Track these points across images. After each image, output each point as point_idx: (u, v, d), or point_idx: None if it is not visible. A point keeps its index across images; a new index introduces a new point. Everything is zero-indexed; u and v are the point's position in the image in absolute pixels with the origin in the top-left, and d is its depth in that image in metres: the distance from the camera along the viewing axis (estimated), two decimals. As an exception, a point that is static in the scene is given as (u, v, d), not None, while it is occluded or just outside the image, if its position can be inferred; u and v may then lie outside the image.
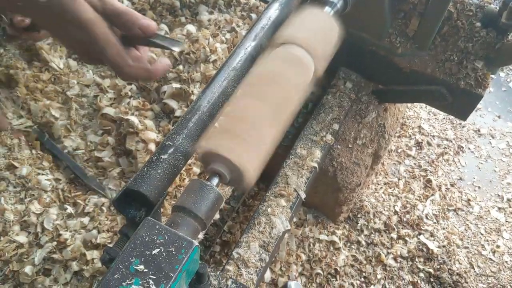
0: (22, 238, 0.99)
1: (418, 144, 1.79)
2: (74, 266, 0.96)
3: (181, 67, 1.14)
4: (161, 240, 0.66)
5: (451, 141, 1.80)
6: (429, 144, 1.79)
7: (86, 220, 1.02)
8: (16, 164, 1.08)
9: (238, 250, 1.03)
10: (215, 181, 0.76)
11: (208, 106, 0.86)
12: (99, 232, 1.00)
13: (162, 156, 0.80)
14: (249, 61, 0.94)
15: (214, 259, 1.31)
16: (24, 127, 1.13)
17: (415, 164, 1.72)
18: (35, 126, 1.14)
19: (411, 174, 1.69)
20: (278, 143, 1.39)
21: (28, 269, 0.96)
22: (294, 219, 1.49)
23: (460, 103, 1.24)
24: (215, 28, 1.23)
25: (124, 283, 0.62)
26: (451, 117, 1.86)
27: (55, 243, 0.99)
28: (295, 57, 0.88)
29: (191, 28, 1.20)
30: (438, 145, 1.79)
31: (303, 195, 1.15)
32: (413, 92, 1.28)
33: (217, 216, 1.05)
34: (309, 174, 1.16)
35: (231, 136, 0.77)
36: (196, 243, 0.66)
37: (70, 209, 1.03)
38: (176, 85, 1.11)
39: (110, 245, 0.81)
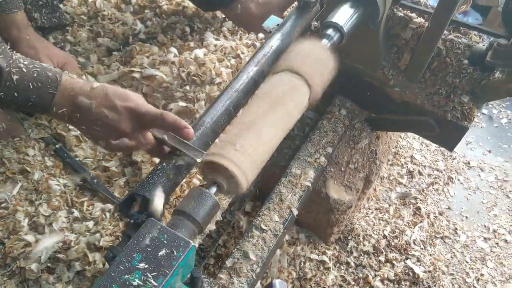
0: (31, 238, 1.06)
1: (410, 173, 1.86)
2: (77, 266, 1.03)
3: (187, 87, 1.23)
4: (161, 239, 0.73)
5: (442, 172, 1.88)
6: (420, 173, 1.86)
7: (90, 224, 1.09)
8: (28, 169, 1.15)
9: (231, 260, 1.10)
10: (213, 190, 0.84)
11: (211, 123, 0.95)
12: (102, 236, 1.06)
13: (168, 165, 0.87)
14: (251, 84, 1.03)
15: (207, 271, 1.37)
16: (39, 137, 1.22)
17: (406, 191, 1.80)
18: (49, 136, 1.22)
19: (401, 201, 1.76)
20: (276, 163, 1.47)
21: (34, 266, 1.02)
22: (287, 237, 1.55)
23: (447, 134, 1.32)
24: (221, 54, 1.32)
25: (126, 275, 0.69)
26: (443, 148, 1.94)
27: (60, 243, 1.06)
28: (292, 83, 0.96)
29: (199, 52, 1.30)
30: (429, 175, 1.86)
31: (295, 212, 1.22)
32: (403, 121, 1.36)
33: (213, 227, 1.12)
34: (302, 193, 1.24)
35: (230, 149, 0.85)
36: (192, 243, 0.74)
37: (76, 213, 1.10)
38: (182, 103, 1.20)
39: (113, 247, 0.87)
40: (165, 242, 0.73)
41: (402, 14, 1.25)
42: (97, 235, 1.07)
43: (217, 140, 0.91)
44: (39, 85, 0.85)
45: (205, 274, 1.01)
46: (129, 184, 1.17)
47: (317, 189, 1.42)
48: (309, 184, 1.25)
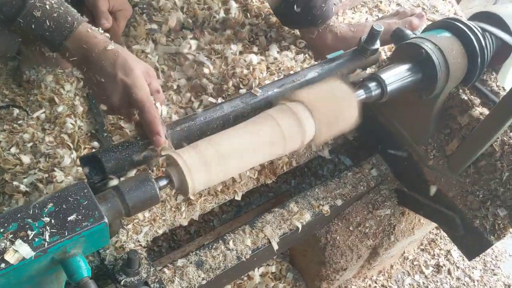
0: (26, 159, 1.14)
1: (438, 267, 1.70)
2: (48, 201, 1.08)
3: (225, 86, 1.23)
4: (81, 203, 0.74)
5: (474, 282, 1.69)
6: (449, 272, 1.69)
7: (80, 169, 1.14)
8: (57, 100, 1.23)
9: (184, 261, 1.08)
10: (163, 182, 0.83)
11: (203, 121, 0.94)
12: (84, 185, 1.10)
13: (137, 141, 0.88)
14: (263, 103, 1.00)
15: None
16: (81, 77, 1.29)
17: (423, 283, 1.64)
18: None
19: (413, 290, 1.61)
20: (288, 193, 1.43)
21: (15, 183, 1.09)
22: (273, 270, 1.50)
23: (469, 241, 1.19)
24: (275, 68, 1.30)
25: (30, 220, 0.71)
26: (487, 258, 1.74)
27: (46, 175, 1.12)
28: (298, 118, 0.92)
29: (255, 58, 1.29)
30: (458, 279, 1.68)
31: (275, 246, 1.17)
32: (429, 208, 1.24)
33: (185, 223, 1.11)
34: (288, 231, 1.18)
35: (195, 151, 0.83)
36: (106, 220, 0.74)
37: (74, 156, 1.15)
38: (212, 99, 1.21)
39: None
40: (81, 208, 0.74)
41: (466, 98, 1.14)
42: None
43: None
44: (55, 25, 0.91)
45: (148, 260, 1.01)
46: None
47: (317, 236, 1.36)
48: (300, 226, 1.18)
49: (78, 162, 1.16)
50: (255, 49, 1.37)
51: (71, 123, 1.20)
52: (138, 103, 0.90)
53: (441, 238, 1.75)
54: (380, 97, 1.05)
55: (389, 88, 1.04)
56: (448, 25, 1.13)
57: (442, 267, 1.69)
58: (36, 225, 0.71)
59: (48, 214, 0.72)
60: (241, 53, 1.35)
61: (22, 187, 1.09)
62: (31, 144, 1.16)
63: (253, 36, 1.42)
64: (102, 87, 0.92)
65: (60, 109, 1.22)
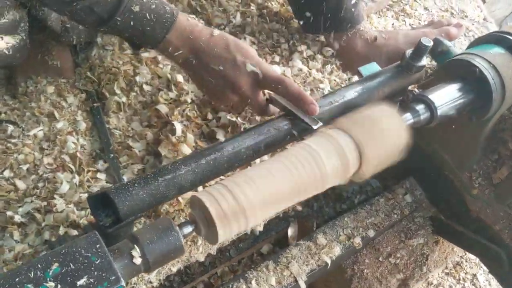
0: (21, 184, 1.00)
1: (463, 293, 1.58)
2: (46, 235, 0.94)
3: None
4: (93, 261, 0.61)
5: (501, 309, 1.57)
6: (475, 298, 1.58)
7: (84, 196, 1.00)
8: (57, 115, 1.09)
9: (201, 304, 0.96)
10: (188, 229, 0.70)
11: (231, 152, 0.80)
12: (86, 215, 0.97)
13: (156, 178, 0.75)
14: (299, 129, 0.87)
15: (192, 295, 1.24)
16: (84, 88, 1.16)
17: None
18: (93, 91, 1.16)
19: (438, 319, 1.50)
20: (312, 217, 1.30)
21: (9, 213, 0.96)
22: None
23: (516, 278, 1.07)
24: (301, 81, 1.17)
25: (30, 285, 0.58)
26: (515, 283, 1.63)
27: (45, 203, 0.98)
28: (340, 149, 0.79)
29: (277, 70, 1.16)
30: (485, 305, 1.57)
31: (303, 286, 1.05)
32: (471, 240, 1.13)
33: (201, 259, 0.98)
34: (316, 267, 1.05)
35: (226, 191, 0.70)
36: (123, 283, 0.60)
37: (76, 180, 1.02)
38: (230, 117, 1.07)
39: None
40: (93, 268, 0.60)
41: (520, 121, 1.01)
42: (83, 212, 0.98)
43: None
44: (155, 17, 0.82)
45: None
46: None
47: (343, 267, 1.23)
48: (329, 261, 1.06)
49: (80, 187, 1.03)
50: (277, 58, 1.23)
51: (73, 142, 1.07)
52: (276, 80, 0.85)
53: (466, 261, 1.64)
54: (429, 121, 0.92)
55: (439, 111, 0.91)
56: (501, 39, 1.00)
57: (468, 292, 1.58)
58: (39, 290, 0.57)
59: (53, 277, 0.59)
60: (261, 63, 1.22)
61: (17, 218, 0.96)
62: (27, 166, 1.02)
63: (274, 43, 1.29)
64: (222, 75, 0.85)
65: (60, 125, 1.08)
